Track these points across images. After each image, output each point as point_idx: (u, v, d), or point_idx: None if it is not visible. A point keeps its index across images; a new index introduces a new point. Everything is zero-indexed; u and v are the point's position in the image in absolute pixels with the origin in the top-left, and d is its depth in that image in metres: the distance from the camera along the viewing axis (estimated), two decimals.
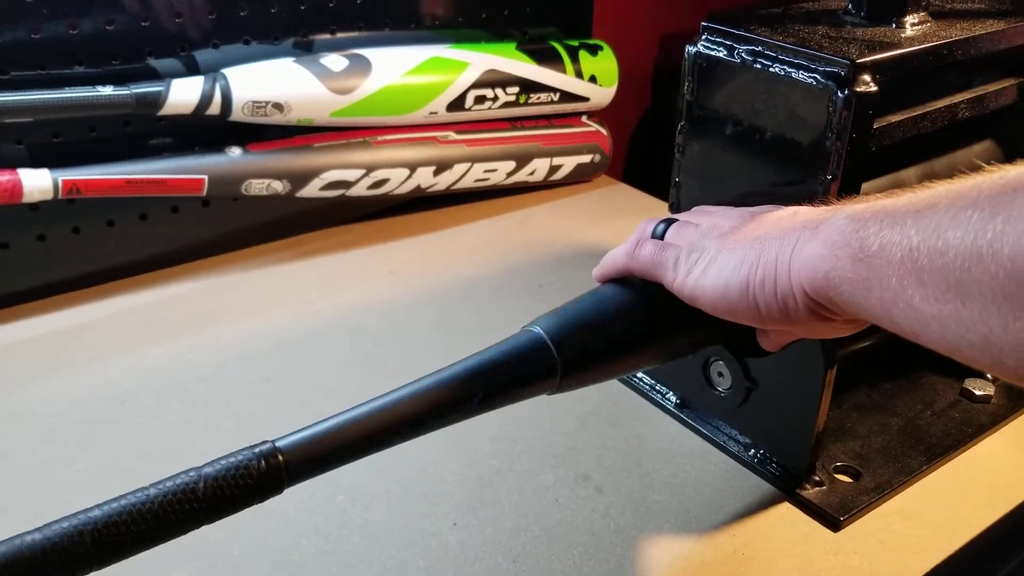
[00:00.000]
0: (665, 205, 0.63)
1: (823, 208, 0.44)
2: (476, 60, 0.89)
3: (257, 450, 0.40)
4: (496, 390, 0.45)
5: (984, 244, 0.32)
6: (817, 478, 0.59)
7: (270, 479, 0.40)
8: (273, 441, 0.41)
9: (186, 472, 0.40)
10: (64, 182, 0.72)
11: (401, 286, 0.82)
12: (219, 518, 0.40)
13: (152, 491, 0.39)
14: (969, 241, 0.33)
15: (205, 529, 0.40)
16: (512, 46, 0.93)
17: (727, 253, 0.46)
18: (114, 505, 0.39)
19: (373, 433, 0.42)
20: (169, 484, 0.39)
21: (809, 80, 0.51)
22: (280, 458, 0.40)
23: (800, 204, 0.47)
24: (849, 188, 0.51)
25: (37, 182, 0.70)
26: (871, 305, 0.39)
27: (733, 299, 0.45)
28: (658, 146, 1.25)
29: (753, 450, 0.61)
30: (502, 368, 0.45)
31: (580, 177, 1.01)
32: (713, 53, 0.56)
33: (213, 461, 0.40)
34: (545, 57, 0.94)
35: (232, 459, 0.40)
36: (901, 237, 0.36)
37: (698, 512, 0.57)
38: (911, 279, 0.36)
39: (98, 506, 0.39)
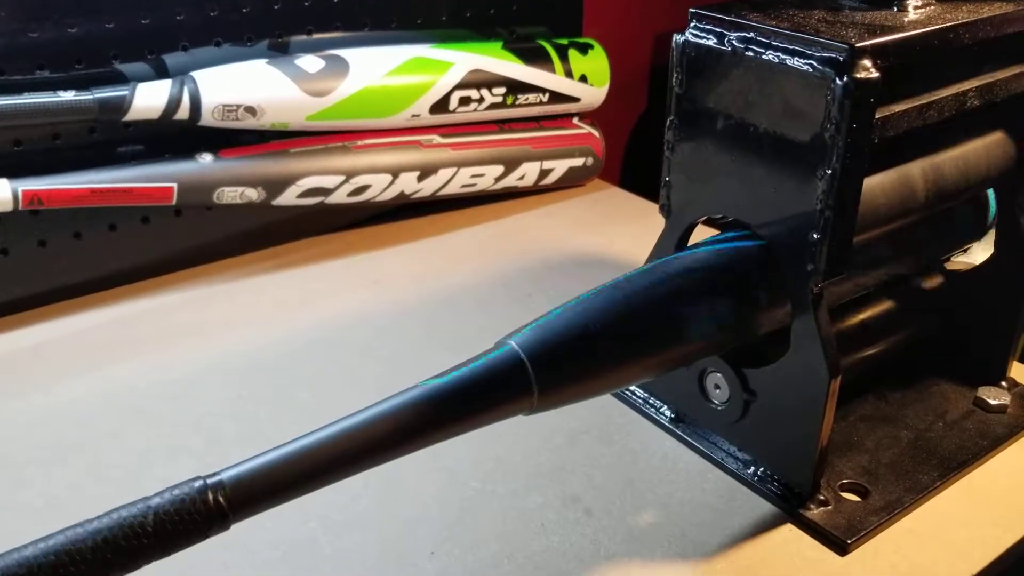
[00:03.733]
0: None
1: None
2: (460, 60, 0.85)
3: (199, 484, 0.37)
4: (465, 413, 0.41)
5: None
6: (822, 497, 0.55)
7: (212, 515, 0.36)
8: (213, 475, 0.37)
9: (130, 505, 0.36)
10: (24, 192, 0.68)
11: (385, 296, 0.79)
12: (159, 557, 0.37)
13: (95, 524, 0.36)
14: None
15: (157, 563, 0.37)
16: (498, 45, 0.89)
17: None
18: (49, 543, 0.35)
19: (327, 464, 0.38)
20: (111, 518, 0.36)
21: (804, 67, 0.47)
22: (224, 492, 0.37)
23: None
24: (850, 183, 0.48)
25: None
26: None
27: None
28: (655, 148, 1.21)
29: (753, 467, 0.57)
30: (472, 389, 0.41)
31: (572, 181, 0.97)
32: (702, 41, 0.52)
33: (150, 496, 0.37)
34: (533, 56, 0.90)
35: (171, 494, 0.36)
36: None
37: (694, 535, 0.53)
38: None
39: (32, 543, 0.35)
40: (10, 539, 0.36)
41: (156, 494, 0.37)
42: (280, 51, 0.81)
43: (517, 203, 0.95)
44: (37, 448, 0.60)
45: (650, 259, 0.59)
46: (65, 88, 0.69)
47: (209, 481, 0.37)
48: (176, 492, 0.37)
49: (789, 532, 0.54)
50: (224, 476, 0.37)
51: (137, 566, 0.36)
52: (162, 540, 0.36)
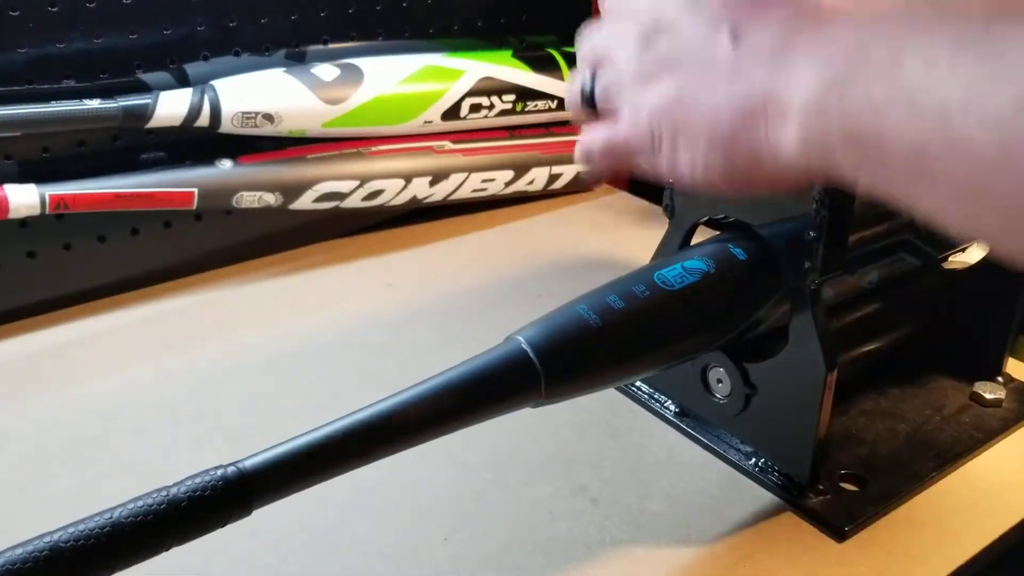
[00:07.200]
0: None
1: None
2: (471, 68, 0.88)
3: (222, 471, 0.39)
4: (474, 405, 0.43)
5: None
6: (821, 487, 0.56)
7: (237, 501, 0.38)
8: (238, 462, 0.39)
9: (151, 493, 0.38)
10: (51, 197, 0.71)
11: (398, 298, 0.81)
12: (186, 541, 0.39)
13: (116, 512, 0.38)
14: None
15: (184, 547, 0.39)
16: (508, 54, 0.92)
17: None
18: (73, 529, 0.37)
19: (345, 452, 0.41)
20: (133, 506, 0.38)
21: None
22: (247, 479, 0.39)
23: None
24: None
25: (24, 198, 0.70)
26: None
27: None
28: None
29: (754, 459, 0.59)
30: (480, 381, 0.44)
31: (580, 186, 0.99)
32: None
33: (179, 482, 0.39)
34: (542, 64, 0.93)
35: (198, 480, 0.38)
36: None
37: (697, 523, 0.55)
38: None
39: (60, 528, 0.37)
40: (39, 528, 0.37)
41: (177, 482, 0.39)
42: (297, 60, 0.83)
43: (527, 207, 0.97)
44: (65, 442, 0.62)
45: (654, 258, 0.61)
46: (90, 97, 0.72)
47: (231, 468, 0.39)
48: (199, 479, 0.39)
49: (789, 520, 0.56)
50: (246, 463, 0.39)
51: (161, 550, 0.38)
52: (184, 525, 0.38)
